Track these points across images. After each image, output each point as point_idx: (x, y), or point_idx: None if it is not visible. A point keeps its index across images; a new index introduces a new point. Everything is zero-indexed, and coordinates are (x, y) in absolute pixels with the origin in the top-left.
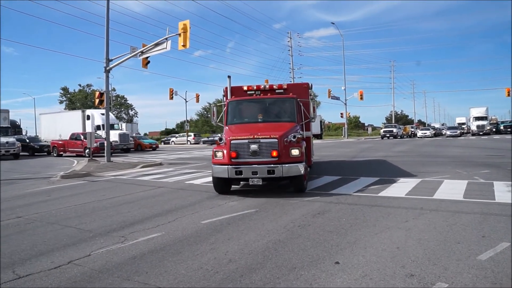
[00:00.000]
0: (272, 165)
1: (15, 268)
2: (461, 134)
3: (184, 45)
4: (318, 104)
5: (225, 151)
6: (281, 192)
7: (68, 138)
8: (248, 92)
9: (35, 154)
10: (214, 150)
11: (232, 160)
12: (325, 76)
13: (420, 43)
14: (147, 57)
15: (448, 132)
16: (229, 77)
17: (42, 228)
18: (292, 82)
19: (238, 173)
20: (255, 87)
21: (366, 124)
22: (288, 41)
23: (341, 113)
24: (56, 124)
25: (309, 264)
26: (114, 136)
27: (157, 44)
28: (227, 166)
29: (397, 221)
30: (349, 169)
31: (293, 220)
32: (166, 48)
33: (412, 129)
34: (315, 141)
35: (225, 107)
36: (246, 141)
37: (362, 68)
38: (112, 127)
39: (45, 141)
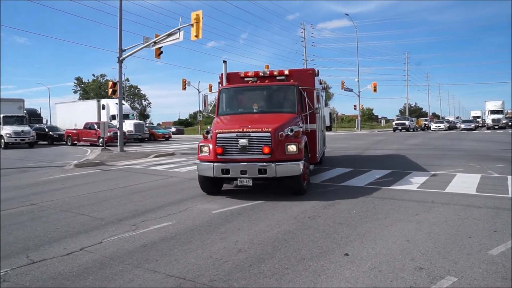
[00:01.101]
0: (264, 163)
1: (29, 254)
2: (476, 128)
3: (196, 36)
4: (330, 95)
5: (211, 146)
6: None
7: (82, 127)
8: (246, 79)
9: (54, 143)
10: (200, 144)
11: (218, 156)
12: (338, 68)
13: (435, 34)
14: (160, 48)
15: (463, 126)
16: (224, 62)
17: (55, 216)
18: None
19: (225, 171)
20: (253, 73)
21: (379, 117)
22: (302, 32)
23: (354, 105)
24: (71, 113)
25: (318, 255)
26: (129, 126)
27: (170, 35)
28: (212, 164)
29: (407, 214)
30: (361, 161)
31: (303, 211)
32: (178, 38)
33: (426, 122)
34: (327, 133)
35: (217, 96)
36: (234, 134)
37: (375, 59)
38: (127, 117)
39: (62, 130)
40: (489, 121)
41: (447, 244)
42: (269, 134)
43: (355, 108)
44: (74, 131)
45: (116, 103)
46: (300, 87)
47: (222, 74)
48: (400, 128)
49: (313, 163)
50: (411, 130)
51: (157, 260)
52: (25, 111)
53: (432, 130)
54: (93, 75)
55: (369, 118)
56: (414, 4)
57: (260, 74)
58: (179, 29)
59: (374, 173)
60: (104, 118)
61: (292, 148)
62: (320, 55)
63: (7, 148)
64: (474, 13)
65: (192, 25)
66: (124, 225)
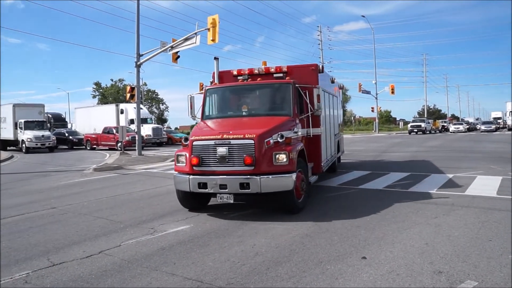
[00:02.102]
0: (246, 176)
1: (50, 256)
2: (497, 129)
3: (213, 40)
4: (348, 97)
5: (187, 155)
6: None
7: (101, 132)
8: (239, 78)
9: (74, 147)
10: (177, 153)
11: (194, 168)
12: (355, 70)
13: (454, 35)
14: (177, 52)
15: (483, 127)
16: (215, 58)
17: (75, 219)
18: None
19: (202, 186)
20: (246, 71)
21: (397, 119)
22: (318, 35)
23: (372, 108)
24: (90, 118)
25: (335, 258)
26: (147, 130)
27: (186, 39)
28: (188, 176)
29: (426, 217)
30: (378, 164)
31: (321, 214)
32: (195, 43)
33: (445, 124)
34: (344, 136)
35: (202, 97)
36: (212, 142)
37: (393, 61)
38: (145, 121)
39: (82, 135)
40: (510, 122)
41: (467, 248)
42: (252, 142)
43: (372, 111)
44: (93, 136)
45: (134, 108)
46: (298, 85)
47: (214, 73)
48: (416, 130)
49: (316, 174)
50: (428, 132)
51: (175, 263)
52: (50, 116)
53: (450, 132)
54: (112, 80)
55: (387, 120)
56: (432, 4)
57: (255, 71)
58: (195, 33)
59: (392, 176)
60: (122, 123)
61: (281, 157)
62: (337, 57)
63: (28, 152)
64: (493, 13)
65: (208, 29)
66: (142, 229)
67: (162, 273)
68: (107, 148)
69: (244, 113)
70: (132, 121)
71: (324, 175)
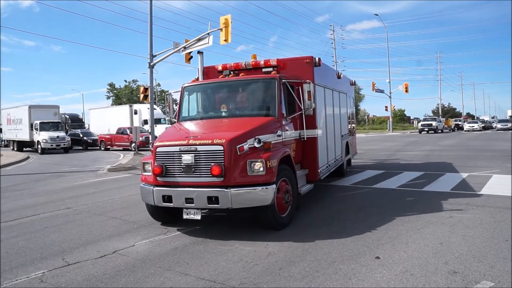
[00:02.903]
0: (215, 189)
1: (65, 256)
2: None
3: (226, 40)
4: (361, 96)
5: (152, 163)
6: (319, 187)
7: (115, 132)
8: (224, 73)
9: (88, 148)
10: (143, 161)
11: (158, 178)
12: (369, 69)
13: (468, 32)
14: (190, 52)
15: (499, 125)
16: (199, 53)
17: (89, 219)
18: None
19: (167, 199)
20: (232, 66)
21: (411, 118)
22: (331, 34)
23: (386, 106)
24: (104, 119)
25: (348, 258)
26: (161, 130)
27: (199, 39)
28: (152, 188)
29: (441, 217)
30: (392, 163)
31: (334, 214)
32: (208, 43)
33: (459, 122)
34: (357, 135)
35: (180, 95)
36: (177, 149)
37: (407, 60)
38: (159, 121)
39: (96, 136)
40: None
41: (482, 248)
42: (220, 148)
43: (386, 109)
44: (107, 136)
45: (148, 108)
46: (287, 80)
47: (198, 69)
48: (427, 129)
49: (312, 182)
50: (439, 131)
51: (188, 263)
52: (67, 116)
53: (465, 131)
54: (125, 80)
55: (401, 119)
56: (445, 2)
57: (242, 66)
58: (208, 33)
59: (406, 175)
60: (136, 123)
61: (256, 166)
62: (350, 56)
63: (44, 153)
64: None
65: (221, 29)
66: (155, 229)
67: (175, 273)
68: (121, 148)
69: (223, 114)
70: (145, 122)
71: (332, 177)
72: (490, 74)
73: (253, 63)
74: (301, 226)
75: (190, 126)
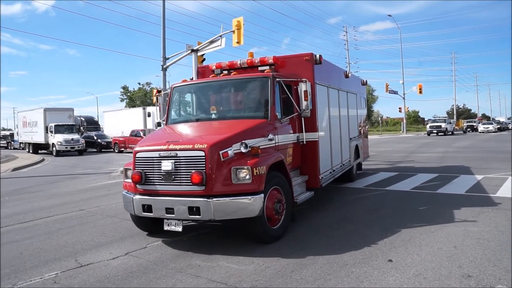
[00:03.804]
0: (196, 198)
1: (78, 257)
2: None
3: (238, 42)
4: (375, 98)
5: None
6: (332, 189)
7: (128, 135)
8: (215, 72)
9: (102, 150)
10: (125, 167)
11: (137, 186)
12: (382, 70)
13: (483, 32)
14: (203, 55)
15: None
16: (193, 51)
17: (102, 221)
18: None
19: (147, 209)
20: (227, 65)
21: (426, 119)
22: (344, 35)
23: (399, 108)
24: (118, 121)
25: (361, 261)
26: None
27: (211, 42)
28: (132, 196)
29: (455, 219)
30: (406, 165)
31: (346, 217)
32: (220, 45)
33: (474, 124)
34: (370, 137)
35: (168, 96)
36: (156, 154)
37: (421, 60)
38: None
39: (110, 138)
40: None
41: (497, 251)
42: (202, 154)
43: (400, 111)
44: (121, 139)
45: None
46: (283, 79)
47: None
48: (436, 131)
49: (312, 189)
50: (450, 133)
51: (200, 265)
52: (83, 119)
53: (480, 132)
54: (139, 83)
55: (415, 120)
56: (458, 2)
57: (237, 65)
58: (220, 36)
59: (420, 177)
60: (149, 126)
61: (242, 174)
62: (363, 57)
63: (59, 155)
64: None
65: (233, 31)
66: (167, 231)
67: (187, 275)
68: None
69: (213, 116)
70: (159, 124)
71: (340, 182)
72: (506, 74)
73: (249, 61)
74: (313, 228)
75: (175, 129)
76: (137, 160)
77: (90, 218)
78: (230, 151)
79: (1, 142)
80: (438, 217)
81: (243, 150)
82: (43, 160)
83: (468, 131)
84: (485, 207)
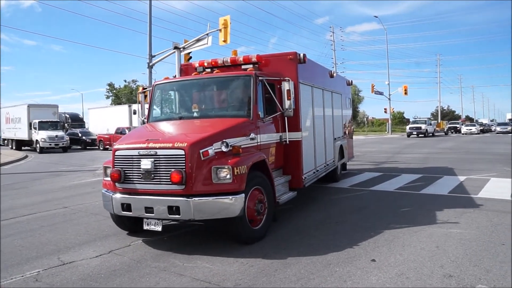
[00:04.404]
0: (174, 198)
1: (60, 255)
2: None
3: (224, 41)
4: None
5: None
6: (316, 189)
7: (113, 132)
8: (198, 70)
9: (87, 147)
10: (104, 165)
11: (117, 185)
12: (368, 71)
13: (467, 35)
14: (189, 53)
15: (498, 128)
16: (176, 48)
17: (86, 219)
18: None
19: (126, 207)
20: (210, 62)
21: (411, 120)
22: (331, 36)
23: (385, 109)
24: (103, 118)
25: (344, 260)
26: None
27: (198, 40)
28: (111, 195)
29: (437, 220)
30: (390, 165)
31: (330, 216)
32: (207, 43)
33: (457, 125)
34: (356, 137)
35: (150, 94)
36: (135, 152)
37: (406, 62)
38: None
39: (95, 135)
40: None
41: (478, 251)
42: (182, 152)
43: (385, 112)
44: (106, 136)
45: (147, 108)
46: (266, 78)
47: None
48: (416, 133)
49: (296, 189)
50: (430, 135)
51: (184, 264)
52: (67, 116)
53: (463, 134)
54: (125, 80)
55: (400, 121)
56: (444, 4)
57: (220, 63)
58: (207, 34)
59: (404, 178)
60: (135, 123)
61: (222, 173)
62: (350, 58)
63: (42, 152)
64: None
65: (220, 30)
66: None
67: (170, 273)
68: None
69: (195, 114)
70: (144, 122)
71: (324, 182)
72: (490, 77)
73: (232, 59)
74: (297, 227)
75: (156, 127)
76: (116, 158)
77: (73, 215)
78: (211, 150)
79: None
80: (421, 218)
81: (224, 149)
82: (26, 156)
83: (451, 133)
84: (468, 208)
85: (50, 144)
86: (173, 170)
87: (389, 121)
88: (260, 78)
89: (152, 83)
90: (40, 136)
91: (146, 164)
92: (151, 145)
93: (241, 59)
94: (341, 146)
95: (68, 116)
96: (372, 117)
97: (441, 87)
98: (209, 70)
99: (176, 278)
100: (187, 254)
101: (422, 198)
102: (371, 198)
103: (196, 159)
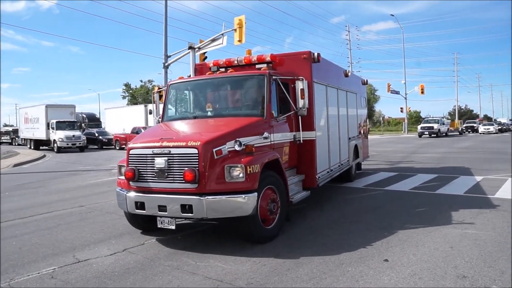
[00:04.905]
0: (187, 196)
1: (76, 253)
2: None
3: (239, 40)
4: (377, 97)
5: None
6: (331, 188)
7: (130, 132)
8: (212, 69)
9: (103, 147)
10: (119, 164)
11: (131, 183)
12: (384, 70)
13: (486, 33)
14: (204, 53)
15: None
16: (191, 48)
17: (101, 217)
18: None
19: (140, 206)
20: (224, 62)
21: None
22: (346, 35)
23: (401, 108)
24: (120, 118)
25: (357, 260)
26: None
27: (213, 40)
28: (125, 193)
29: (452, 220)
30: (406, 165)
31: (345, 216)
32: (222, 43)
33: (474, 124)
34: (371, 137)
35: (164, 93)
36: (150, 151)
37: (423, 61)
38: None
39: (111, 135)
40: None
41: (494, 252)
42: (195, 151)
43: (402, 111)
44: (122, 136)
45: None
46: (276, 77)
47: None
48: (428, 133)
49: (309, 188)
50: (443, 134)
51: (196, 263)
52: (84, 115)
53: (480, 133)
54: (141, 80)
55: (416, 121)
56: (462, 2)
57: (234, 62)
58: (222, 34)
59: (419, 177)
60: (151, 123)
61: (235, 172)
62: (366, 57)
63: (60, 152)
64: None
65: (235, 30)
66: (165, 228)
67: (183, 272)
68: None
69: (209, 113)
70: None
71: (339, 182)
72: (509, 75)
73: (246, 59)
74: (311, 227)
75: (170, 126)
76: (130, 157)
77: (89, 214)
78: (224, 149)
79: (3, 138)
80: (436, 218)
81: (237, 148)
82: (44, 156)
83: (468, 132)
84: (484, 209)
85: (67, 144)
86: (186, 168)
87: (405, 121)
88: (274, 77)
89: (168, 83)
90: (58, 136)
91: (159, 162)
92: (165, 144)
93: (255, 58)
94: (355, 146)
95: (85, 116)
96: (388, 117)
97: (459, 86)
98: (223, 69)
99: (188, 276)
100: (200, 252)
101: (438, 198)
102: (386, 197)
103: (209, 157)
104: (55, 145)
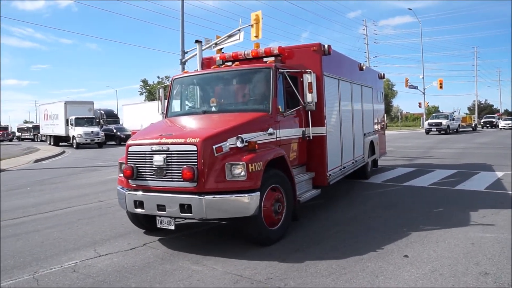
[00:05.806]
0: (187, 195)
1: (96, 247)
2: None
3: (256, 36)
4: (394, 93)
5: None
6: (349, 184)
7: None
8: (217, 63)
9: (122, 143)
10: (120, 161)
11: (129, 181)
12: (402, 65)
13: (506, 27)
14: (221, 49)
15: None
16: (197, 42)
17: (121, 212)
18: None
19: (138, 205)
20: (231, 56)
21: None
22: (363, 30)
23: (419, 103)
24: (137, 114)
25: (376, 256)
26: None
27: (230, 36)
28: (124, 192)
29: (473, 216)
30: (425, 160)
31: (364, 211)
32: (239, 39)
33: (493, 120)
34: (389, 132)
35: (169, 88)
36: (148, 148)
37: (441, 55)
38: None
39: (129, 131)
40: None
41: None
42: (194, 148)
43: (420, 106)
44: None
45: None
46: (283, 70)
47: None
48: (436, 129)
49: (319, 186)
50: (453, 131)
51: (216, 257)
52: (102, 112)
53: (500, 128)
54: (158, 77)
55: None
56: None
57: (242, 56)
58: (239, 30)
59: (438, 173)
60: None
61: (236, 170)
62: (383, 52)
63: (79, 148)
64: None
65: (252, 25)
66: (186, 222)
67: (203, 266)
68: None
69: (213, 109)
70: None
71: (353, 179)
72: None
73: (253, 52)
74: (331, 222)
75: (173, 122)
76: (129, 154)
77: (109, 209)
78: (225, 146)
79: (24, 134)
80: (456, 214)
81: (239, 144)
82: (63, 152)
83: (487, 127)
84: (505, 205)
85: (86, 140)
86: (184, 166)
87: (424, 116)
88: (280, 70)
89: (172, 77)
90: (77, 132)
91: (158, 160)
92: (163, 140)
93: (262, 51)
94: (371, 142)
95: (103, 112)
96: (406, 112)
97: (478, 80)
98: (230, 63)
99: (208, 271)
100: (220, 247)
101: (458, 193)
102: (404, 193)
103: (209, 155)
104: (74, 141)
